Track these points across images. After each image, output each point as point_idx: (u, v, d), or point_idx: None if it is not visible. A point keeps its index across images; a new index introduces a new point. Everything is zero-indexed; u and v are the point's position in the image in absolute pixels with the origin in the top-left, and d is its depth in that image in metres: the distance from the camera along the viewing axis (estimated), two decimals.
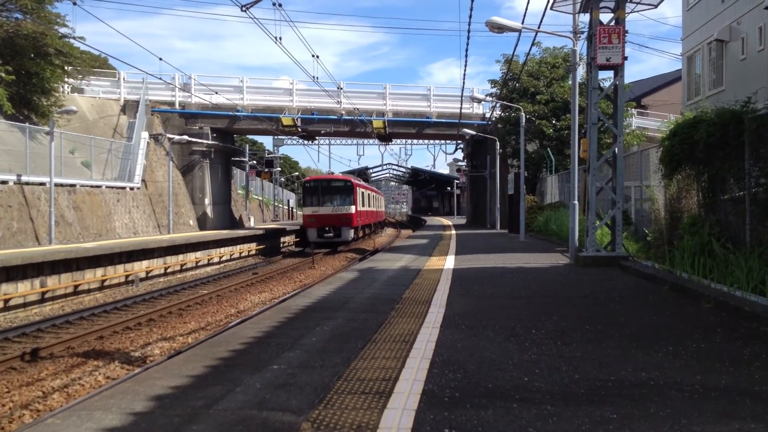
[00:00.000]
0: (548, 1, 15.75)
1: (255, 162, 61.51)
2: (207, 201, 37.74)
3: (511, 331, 7.01)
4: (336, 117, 38.63)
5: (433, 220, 61.43)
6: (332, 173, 40.95)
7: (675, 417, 4.19)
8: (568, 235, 15.76)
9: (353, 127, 39.47)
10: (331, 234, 34.42)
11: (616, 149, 14.51)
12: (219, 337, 7.46)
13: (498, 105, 33.86)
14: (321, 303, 9.57)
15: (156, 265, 23.17)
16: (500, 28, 15.94)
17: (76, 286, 18.58)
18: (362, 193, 38.77)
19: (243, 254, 32.06)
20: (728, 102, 11.34)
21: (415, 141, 53.55)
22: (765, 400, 4.55)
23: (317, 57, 27.76)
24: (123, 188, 29.17)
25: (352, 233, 35.01)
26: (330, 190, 35.28)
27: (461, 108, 35.89)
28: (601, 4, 14.29)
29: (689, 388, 4.83)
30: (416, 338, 6.73)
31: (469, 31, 21.32)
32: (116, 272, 20.65)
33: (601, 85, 15.22)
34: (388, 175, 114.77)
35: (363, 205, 38.80)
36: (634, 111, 34.86)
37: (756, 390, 4.79)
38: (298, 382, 5.13)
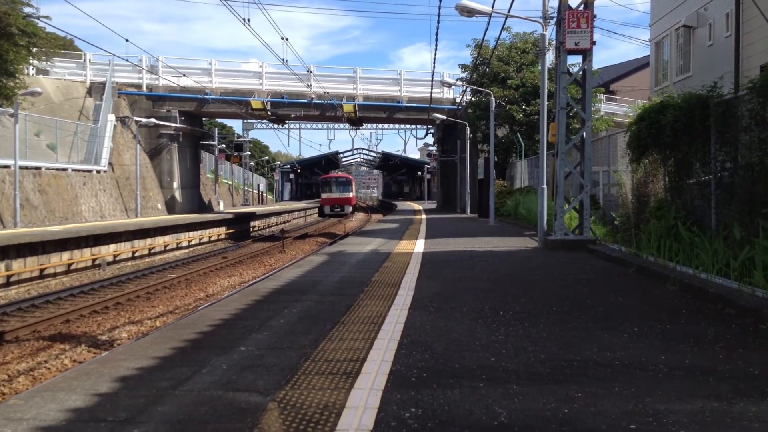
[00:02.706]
0: None
1: (224, 146, 61.07)
2: (175, 185, 37.36)
3: (479, 313, 7.04)
4: (306, 101, 38.40)
5: (403, 204, 61.50)
6: (338, 172, 69.66)
7: (639, 395, 4.24)
8: (537, 219, 15.88)
9: (324, 111, 39.26)
10: (339, 209, 57.61)
11: (584, 134, 14.60)
12: (186, 320, 7.39)
13: (468, 90, 33.87)
14: (290, 286, 9.53)
15: (123, 248, 22.90)
16: (470, 12, 15.95)
17: (41, 270, 18.31)
18: (354, 184, 63.33)
19: (212, 238, 31.83)
20: (695, 87, 11.43)
21: (385, 125, 54.01)
22: (727, 379, 4.62)
23: (286, 39, 27.58)
24: (89, 171, 28.75)
25: (350, 209, 58.80)
26: (338, 182, 58.98)
27: (432, 93, 35.86)
28: None
29: (653, 368, 4.88)
30: (385, 320, 6.73)
31: (439, 15, 21.32)
32: (83, 256, 20.38)
33: (570, 70, 15.25)
34: (358, 159, 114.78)
35: (355, 192, 64.48)
36: (602, 96, 35.04)
37: (719, 369, 4.86)
38: (265, 363, 5.10)
